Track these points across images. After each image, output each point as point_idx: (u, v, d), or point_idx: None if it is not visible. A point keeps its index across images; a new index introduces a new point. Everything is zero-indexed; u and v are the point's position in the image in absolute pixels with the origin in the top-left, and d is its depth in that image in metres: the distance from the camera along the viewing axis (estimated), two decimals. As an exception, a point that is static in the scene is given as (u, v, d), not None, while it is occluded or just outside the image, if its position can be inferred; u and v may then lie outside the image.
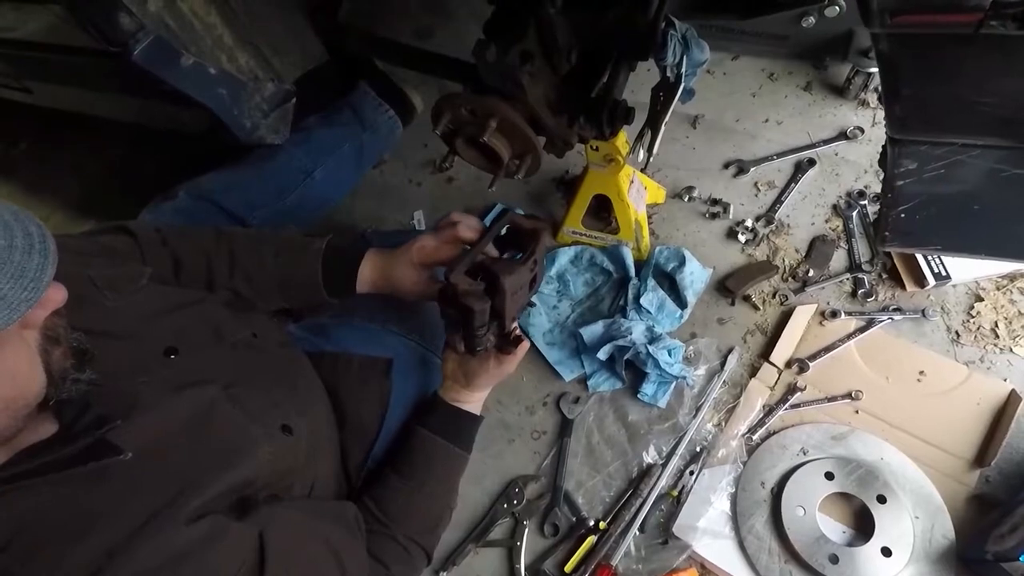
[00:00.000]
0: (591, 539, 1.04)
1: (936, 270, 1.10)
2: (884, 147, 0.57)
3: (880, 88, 0.52)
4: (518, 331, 0.92)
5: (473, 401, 0.94)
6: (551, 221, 1.33)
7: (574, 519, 1.07)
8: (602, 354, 1.12)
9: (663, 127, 0.93)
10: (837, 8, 1.22)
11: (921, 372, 1.07)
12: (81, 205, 1.78)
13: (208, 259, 0.87)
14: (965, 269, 1.11)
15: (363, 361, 0.98)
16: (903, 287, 1.14)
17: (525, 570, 1.05)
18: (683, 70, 0.87)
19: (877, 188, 1.24)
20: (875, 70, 1.27)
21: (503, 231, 0.92)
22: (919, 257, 1.12)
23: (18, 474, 0.50)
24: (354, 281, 0.89)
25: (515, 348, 0.90)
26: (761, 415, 1.09)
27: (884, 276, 1.17)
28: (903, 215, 0.58)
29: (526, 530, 1.07)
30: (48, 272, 0.45)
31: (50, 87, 1.25)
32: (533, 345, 1.22)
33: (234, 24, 0.99)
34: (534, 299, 1.25)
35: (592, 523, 1.06)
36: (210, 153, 1.30)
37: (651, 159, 0.96)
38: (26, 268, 0.43)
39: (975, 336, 1.09)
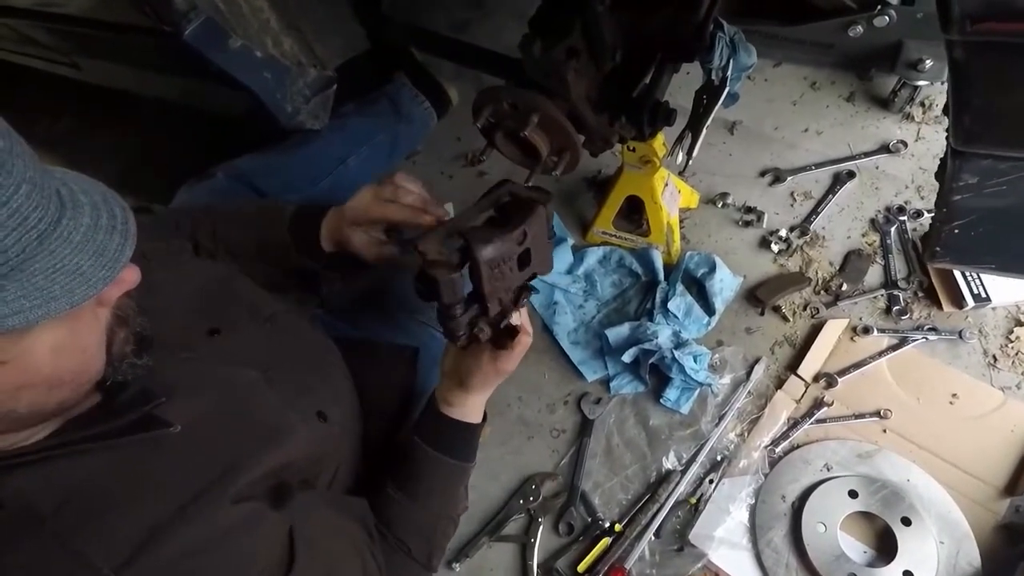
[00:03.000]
0: (606, 541, 1.04)
1: (976, 291, 1.08)
2: (942, 159, 0.56)
3: (948, 97, 0.50)
4: (515, 321, 0.79)
5: (469, 404, 0.84)
6: (582, 221, 1.32)
7: (589, 520, 1.07)
8: (627, 356, 1.12)
9: (704, 131, 0.91)
10: (887, 18, 1.20)
11: (954, 395, 1.05)
12: (119, 182, 1.82)
13: (197, 238, 0.88)
14: (1006, 292, 1.08)
15: (388, 349, 0.99)
16: (939, 307, 1.12)
17: (538, 567, 1.05)
18: (729, 74, 0.86)
19: (918, 204, 1.21)
20: (923, 83, 1.24)
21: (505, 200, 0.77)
22: (958, 276, 1.09)
23: (69, 441, 0.51)
24: (319, 242, 0.86)
25: (511, 340, 0.78)
26: (785, 428, 1.08)
27: (920, 294, 1.14)
28: (957, 231, 0.56)
29: (541, 527, 1.07)
30: (127, 252, 0.46)
31: (97, 63, 1.28)
32: (556, 343, 1.22)
33: (281, 8, 1.00)
34: (559, 297, 1.25)
35: (608, 525, 1.05)
36: (247, 136, 1.32)
37: (690, 162, 0.94)
38: (107, 247, 0.44)
39: (1013, 361, 1.06)
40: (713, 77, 0.86)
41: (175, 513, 0.50)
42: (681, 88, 0.95)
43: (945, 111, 0.52)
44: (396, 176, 0.87)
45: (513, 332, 0.79)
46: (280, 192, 1.24)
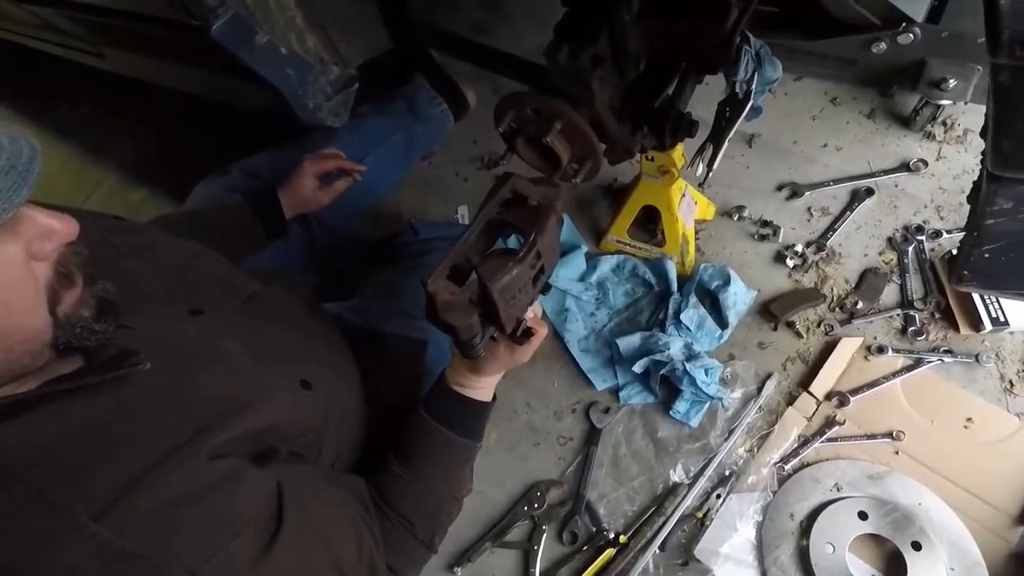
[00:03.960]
0: (609, 552, 1.03)
1: (994, 315, 1.06)
2: (976, 183, 0.55)
3: (987, 120, 0.49)
4: (529, 321, 0.80)
5: (481, 386, 0.84)
6: (596, 228, 1.32)
7: (594, 530, 1.06)
8: (638, 367, 1.11)
9: (726, 143, 0.91)
10: (911, 36, 1.19)
11: (969, 419, 1.03)
12: (135, 171, 1.83)
13: None
14: (1025, 317, 1.07)
15: (397, 340, 0.98)
16: (956, 329, 1.10)
17: (540, 575, 1.04)
18: (753, 87, 0.85)
19: (937, 224, 1.20)
20: (945, 102, 1.23)
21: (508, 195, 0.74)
22: (977, 299, 1.08)
23: (43, 395, 0.50)
24: (281, 213, 1.05)
25: (528, 339, 0.79)
26: (795, 445, 1.07)
27: (937, 316, 1.13)
28: (987, 255, 0.55)
29: (544, 535, 1.07)
30: (21, 194, 0.44)
31: (122, 54, 1.28)
32: (566, 350, 1.22)
33: (307, 6, 1.00)
34: (571, 304, 1.24)
35: (612, 536, 1.04)
36: (262, 132, 1.32)
37: (710, 174, 0.94)
38: None
39: (1030, 387, 1.05)
40: (737, 90, 0.86)
41: (152, 465, 0.49)
42: (699, 99, 0.94)
43: (982, 133, 0.51)
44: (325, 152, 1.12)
45: (529, 332, 0.79)
46: None
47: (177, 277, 0.74)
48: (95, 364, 0.54)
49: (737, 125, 0.89)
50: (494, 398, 0.88)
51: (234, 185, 1.20)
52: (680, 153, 1.07)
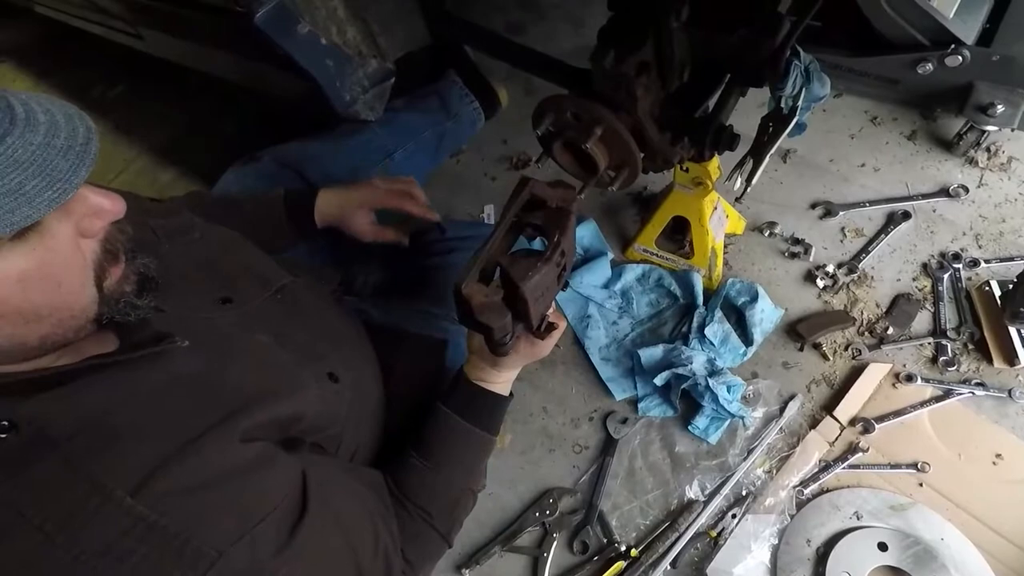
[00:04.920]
0: (620, 564, 1.02)
1: (1031, 350, 1.03)
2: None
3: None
4: (550, 316, 0.82)
5: (500, 381, 0.86)
6: (623, 236, 1.30)
7: (605, 541, 1.05)
8: (659, 380, 1.10)
9: (767, 159, 0.89)
10: (960, 58, 1.16)
11: (998, 455, 1.01)
12: (165, 152, 1.85)
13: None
14: (1063, 354, 1.03)
15: (417, 338, 0.98)
16: (990, 362, 1.07)
17: (548, 583, 1.03)
18: (800, 103, 0.83)
19: (975, 253, 1.17)
20: (991, 128, 1.20)
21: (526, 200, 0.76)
22: (1013, 333, 1.05)
23: (85, 368, 0.50)
24: (312, 216, 0.97)
25: (549, 333, 0.82)
26: (816, 470, 1.05)
27: (970, 347, 1.10)
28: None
29: (554, 543, 1.06)
30: (80, 175, 0.44)
31: (162, 36, 1.29)
32: (586, 357, 1.20)
33: (350, -2, 1.00)
34: (593, 311, 1.23)
35: (624, 548, 1.03)
36: (292, 120, 1.32)
37: (748, 190, 0.92)
38: (57, 167, 0.43)
39: (1064, 426, 1.02)
40: (783, 105, 0.84)
41: (186, 444, 0.50)
42: (738, 110, 0.93)
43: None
44: (411, 182, 1.02)
45: (551, 327, 0.82)
46: (324, 181, 1.24)
47: (210, 264, 0.74)
48: (132, 343, 0.55)
49: (780, 141, 0.87)
50: (511, 394, 0.89)
51: (265, 172, 1.20)
52: (716, 165, 1.05)
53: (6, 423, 0.45)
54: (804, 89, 0.82)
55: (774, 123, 0.87)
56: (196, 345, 0.56)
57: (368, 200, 0.99)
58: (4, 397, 0.47)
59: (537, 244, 0.87)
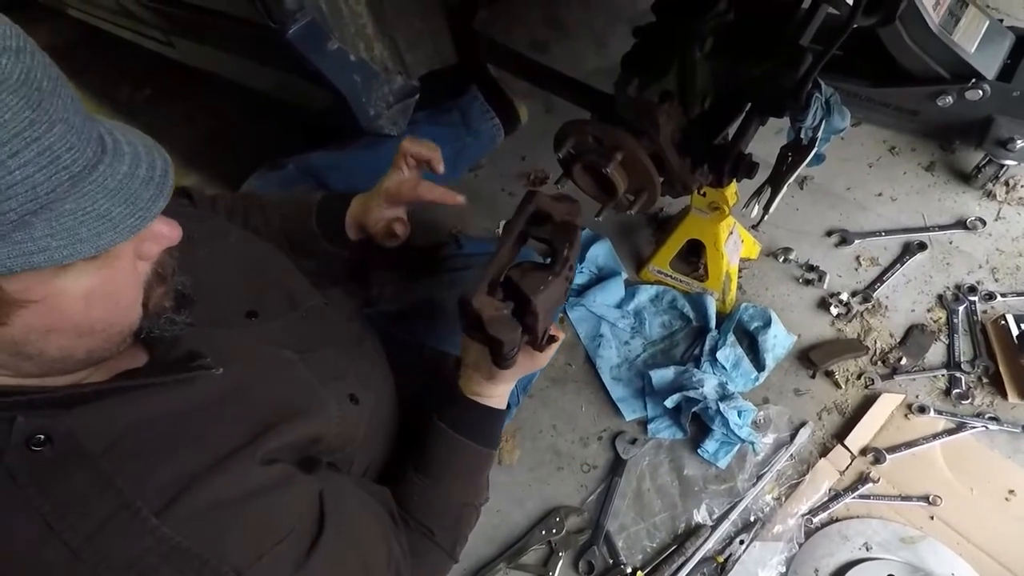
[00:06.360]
0: (625, 586, 1.02)
1: (1047, 386, 1.03)
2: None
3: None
4: (551, 330, 0.82)
5: (496, 395, 0.85)
6: (637, 256, 1.31)
7: (611, 562, 1.05)
8: (670, 402, 1.10)
9: (785, 188, 0.90)
10: (980, 92, 1.17)
11: (1011, 491, 1.00)
12: (188, 156, 1.88)
13: (252, 224, 0.91)
14: (1079, 391, 1.03)
15: (432, 354, 0.99)
16: (1004, 396, 1.07)
17: (552, 602, 1.03)
18: (819, 135, 0.84)
19: (991, 286, 1.17)
20: (1010, 162, 1.20)
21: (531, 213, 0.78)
22: (1029, 369, 1.05)
23: (122, 387, 0.52)
24: (343, 227, 0.89)
25: (549, 345, 0.81)
26: (826, 498, 1.04)
27: (984, 380, 1.09)
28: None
29: (560, 562, 1.06)
30: (159, 204, 0.46)
31: (193, 46, 1.32)
32: (597, 376, 1.21)
33: (379, 15, 1.02)
34: (606, 330, 1.24)
35: (629, 570, 1.03)
36: (316, 130, 1.35)
37: (766, 217, 0.93)
38: (140, 196, 0.45)
39: (1078, 465, 1.01)
40: (802, 136, 0.85)
41: (212, 464, 0.51)
42: (756, 136, 0.94)
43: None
44: (401, 144, 0.89)
45: (552, 339, 0.81)
46: (346, 189, 1.26)
47: (241, 276, 0.75)
48: (165, 361, 0.56)
49: (799, 171, 0.87)
50: (508, 406, 0.88)
51: (289, 179, 1.22)
52: (733, 190, 1.06)
53: (42, 436, 0.46)
54: (824, 121, 0.83)
55: (793, 153, 0.88)
56: (223, 362, 0.58)
57: (392, 189, 0.90)
58: (42, 410, 0.48)
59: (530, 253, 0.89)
